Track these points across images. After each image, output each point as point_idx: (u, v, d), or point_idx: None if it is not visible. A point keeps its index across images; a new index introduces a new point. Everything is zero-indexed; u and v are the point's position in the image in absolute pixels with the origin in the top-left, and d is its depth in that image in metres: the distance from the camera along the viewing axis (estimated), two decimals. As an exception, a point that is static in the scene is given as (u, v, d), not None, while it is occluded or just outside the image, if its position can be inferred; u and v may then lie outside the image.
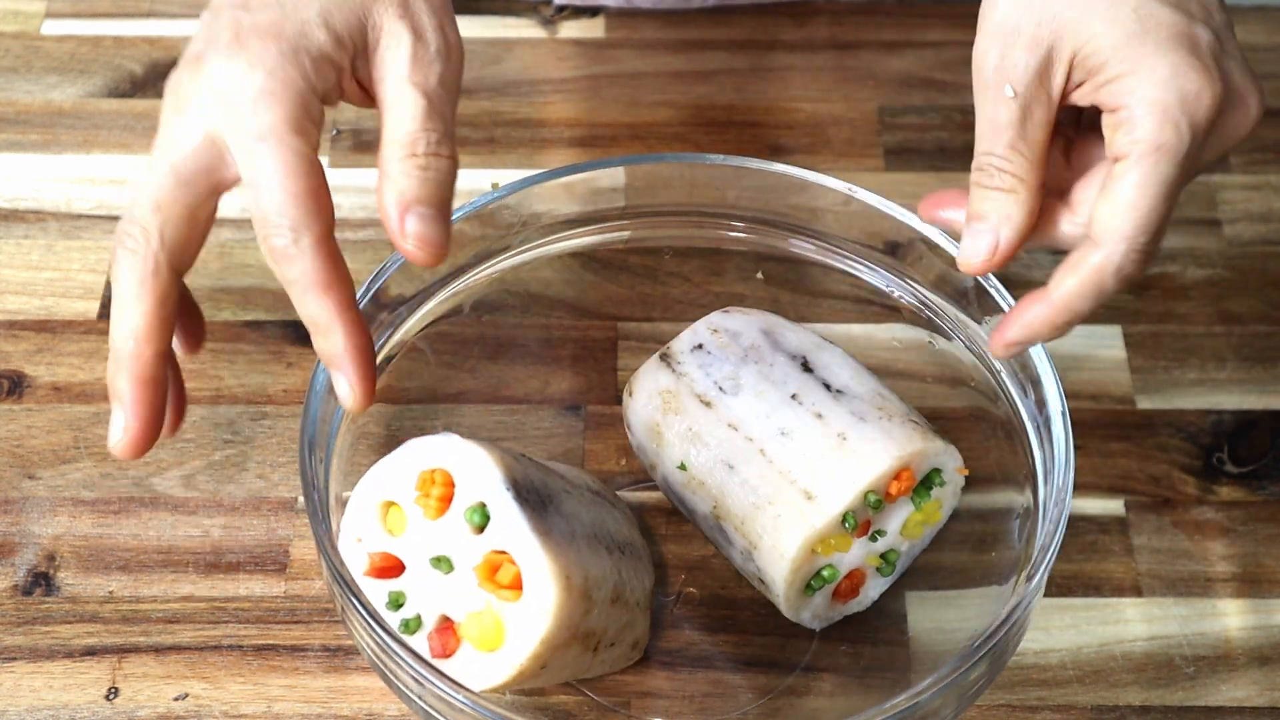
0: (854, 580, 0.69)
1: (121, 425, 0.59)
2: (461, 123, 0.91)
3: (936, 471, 0.68)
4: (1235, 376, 0.81)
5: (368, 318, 0.68)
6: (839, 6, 0.98)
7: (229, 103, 0.57)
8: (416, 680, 0.58)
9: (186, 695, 0.70)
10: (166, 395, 0.60)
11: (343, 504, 0.63)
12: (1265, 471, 0.78)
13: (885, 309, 0.75)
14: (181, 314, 0.61)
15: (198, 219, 0.59)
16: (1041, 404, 0.66)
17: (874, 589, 0.70)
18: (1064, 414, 0.65)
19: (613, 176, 0.73)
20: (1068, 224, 0.61)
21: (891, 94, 0.93)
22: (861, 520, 0.66)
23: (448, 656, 0.59)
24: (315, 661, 0.71)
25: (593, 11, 0.98)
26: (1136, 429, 0.79)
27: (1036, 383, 0.66)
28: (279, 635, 0.72)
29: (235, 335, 0.81)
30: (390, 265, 0.68)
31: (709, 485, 0.68)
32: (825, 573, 0.67)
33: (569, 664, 0.61)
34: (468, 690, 0.58)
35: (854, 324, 0.77)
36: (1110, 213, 0.57)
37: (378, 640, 0.58)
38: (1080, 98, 0.59)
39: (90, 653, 0.71)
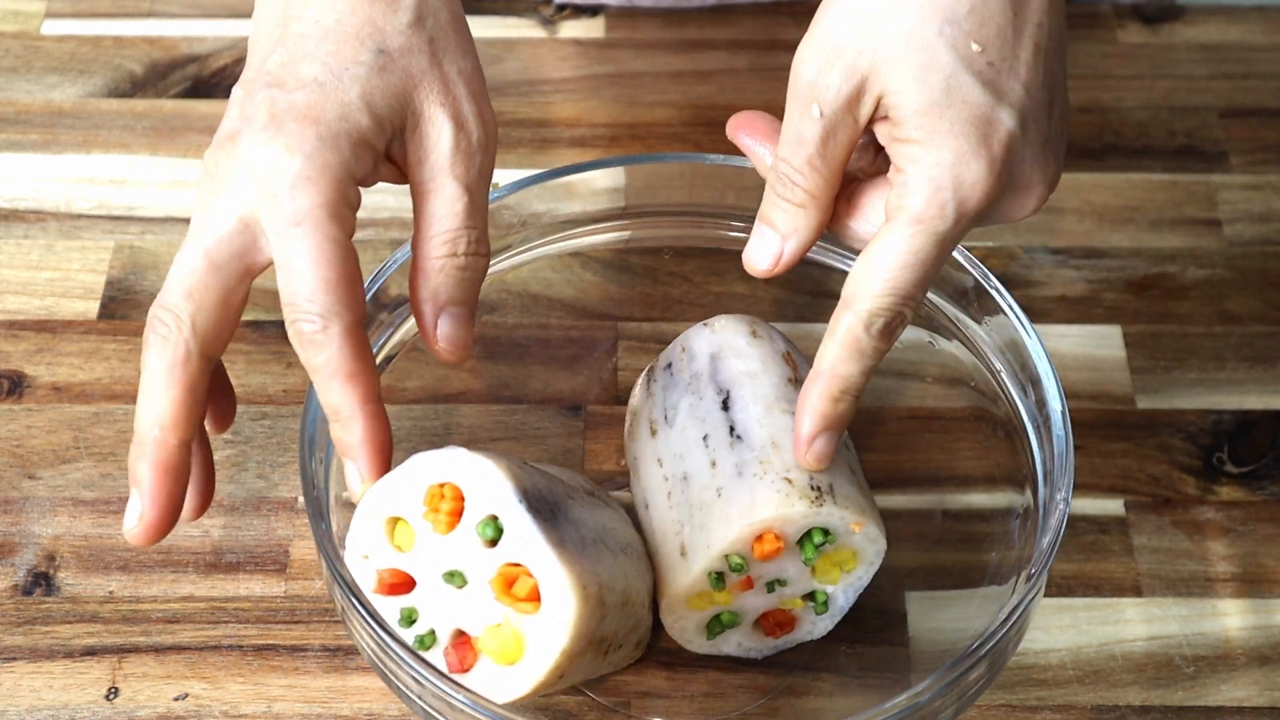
0: (781, 618, 0.68)
1: (138, 514, 0.58)
2: (461, 123, 0.91)
3: (821, 530, 0.64)
4: (1235, 376, 0.81)
5: (367, 318, 0.68)
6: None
7: (265, 187, 0.57)
8: (416, 680, 0.58)
9: (186, 695, 0.70)
10: (187, 483, 0.59)
11: (342, 504, 0.63)
12: (1265, 471, 0.78)
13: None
14: (214, 391, 0.61)
15: (231, 304, 0.59)
16: (1041, 404, 0.66)
17: (822, 622, 0.68)
18: (1064, 414, 0.64)
19: (613, 176, 0.73)
20: (848, 231, 0.62)
21: (891, 94, 0.93)
22: (739, 578, 0.64)
23: (465, 671, 0.59)
24: (315, 661, 0.71)
25: (593, 11, 0.98)
26: (1136, 429, 0.79)
27: (1036, 383, 0.66)
28: (279, 635, 0.72)
29: (235, 335, 0.81)
30: (390, 265, 0.68)
31: (639, 516, 0.68)
32: (724, 618, 0.66)
33: (582, 670, 0.61)
34: (466, 689, 0.58)
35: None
36: (863, 273, 0.59)
37: (377, 640, 0.58)
38: (878, 134, 0.60)
39: (90, 653, 0.71)
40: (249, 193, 0.57)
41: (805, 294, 0.77)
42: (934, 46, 0.57)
